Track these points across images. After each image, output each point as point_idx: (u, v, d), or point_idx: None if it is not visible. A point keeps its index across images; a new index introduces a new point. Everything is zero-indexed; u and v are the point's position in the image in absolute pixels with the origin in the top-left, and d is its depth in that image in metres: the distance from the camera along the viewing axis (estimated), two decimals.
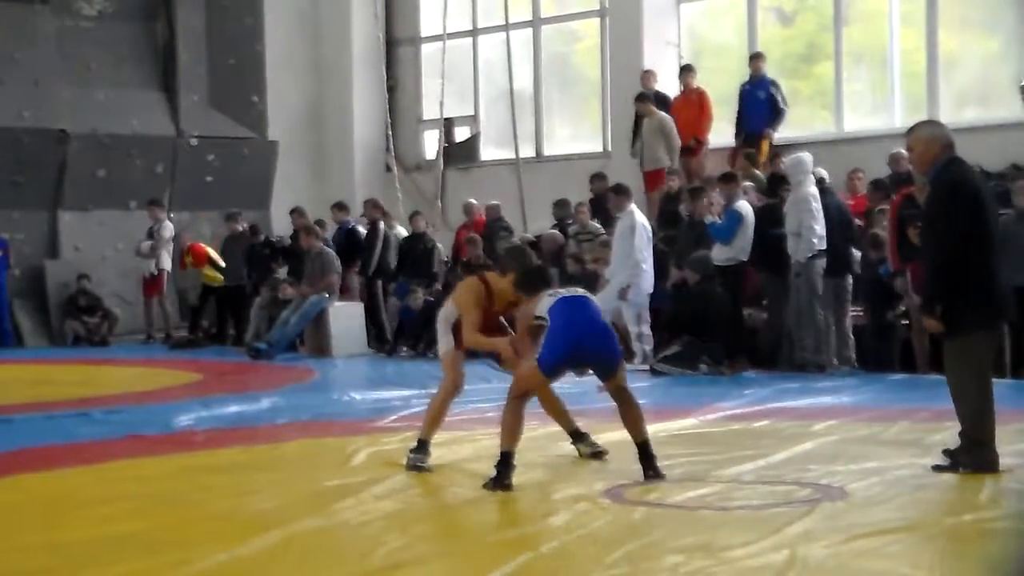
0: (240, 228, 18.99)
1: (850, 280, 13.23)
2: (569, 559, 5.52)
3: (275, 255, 18.44)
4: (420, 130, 22.32)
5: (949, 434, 7.60)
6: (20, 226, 19.70)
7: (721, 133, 17.46)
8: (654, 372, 12.98)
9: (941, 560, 5.29)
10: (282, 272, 17.99)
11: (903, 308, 12.73)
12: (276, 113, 21.46)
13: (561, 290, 7.41)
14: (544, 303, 7.21)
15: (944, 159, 7.29)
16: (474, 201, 18.27)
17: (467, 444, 8.45)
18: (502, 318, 7.71)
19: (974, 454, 7.14)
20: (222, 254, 19.04)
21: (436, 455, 7.76)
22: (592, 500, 6.62)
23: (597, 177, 17.08)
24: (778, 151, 16.18)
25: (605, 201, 15.65)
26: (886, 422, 9.20)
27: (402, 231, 18.23)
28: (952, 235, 7.11)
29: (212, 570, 5.38)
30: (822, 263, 12.90)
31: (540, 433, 8.47)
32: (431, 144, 21.89)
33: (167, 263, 19.46)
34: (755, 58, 16.90)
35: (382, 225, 17.76)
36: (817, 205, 12.90)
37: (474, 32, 21.46)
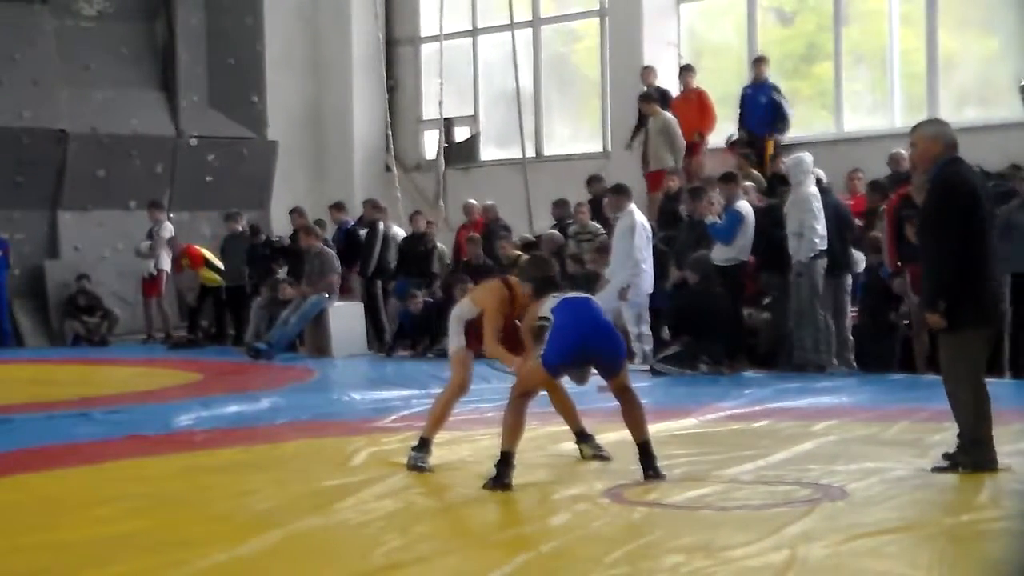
0: (240, 228, 18.98)
1: (849, 280, 13.23)
2: (569, 559, 5.52)
3: (275, 255, 18.43)
4: (420, 130, 22.32)
5: (949, 434, 7.59)
6: (20, 226, 19.69)
7: (721, 133, 17.45)
8: (654, 372, 12.98)
9: (940, 560, 5.29)
10: (282, 272, 17.99)
11: (904, 308, 12.74)
12: (276, 113, 21.45)
13: (564, 292, 7.41)
14: (547, 304, 7.22)
15: (945, 158, 7.31)
16: (474, 201, 18.27)
17: (467, 444, 8.45)
18: (517, 321, 7.68)
19: (972, 453, 7.15)
20: (222, 254, 19.05)
21: (436, 455, 7.76)
22: (592, 500, 6.63)
23: (594, 179, 17.07)
24: (778, 151, 16.20)
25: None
26: (886, 422, 9.20)
27: (399, 232, 18.16)
28: (949, 234, 7.14)
29: (212, 570, 5.38)
30: (823, 263, 12.90)
31: (540, 433, 8.47)
32: (431, 144, 21.89)
33: (166, 263, 19.46)
34: (758, 62, 16.89)
35: (381, 225, 17.76)
36: (818, 205, 12.89)
37: (474, 32, 21.45)
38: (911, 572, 5.14)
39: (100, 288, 19.71)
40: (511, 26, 19.91)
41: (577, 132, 20.83)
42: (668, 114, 16.86)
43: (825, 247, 12.83)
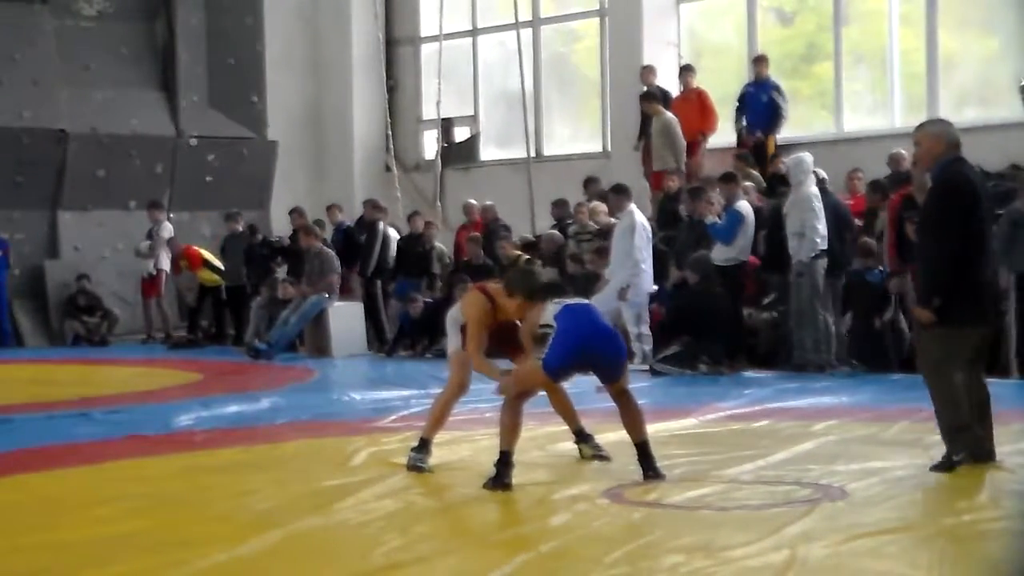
0: (240, 228, 18.99)
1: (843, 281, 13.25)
2: (569, 559, 5.52)
3: (274, 255, 18.44)
4: (420, 130, 22.32)
5: None
6: (20, 226, 19.69)
7: (721, 134, 17.44)
8: (654, 372, 12.98)
9: (940, 560, 5.29)
10: (281, 272, 18.00)
11: (888, 315, 12.73)
12: (276, 113, 21.45)
13: (566, 299, 7.42)
14: (550, 310, 7.22)
15: (948, 158, 7.34)
16: (474, 201, 18.27)
17: (467, 444, 8.45)
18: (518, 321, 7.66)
19: (958, 441, 7.20)
20: (222, 254, 19.05)
21: (436, 455, 7.76)
22: (592, 500, 6.63)
23: (591, 181, 17.04)
24: (778, 151, 16.19)
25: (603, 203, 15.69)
26: (886, 422, 9.20)
27: (393, 232, 18.12)
28: (948, 232, 7.18)
29: (212, 570, 5.38)
30: (824, 263, 12.90)
31: (540, 433, 8.47)
32: (431, 144, 21.88)
33: (166, 263, 19.47)
34: (758, 61, 16.88)
35: (381, 225, 17.77)
36: (819, 205, 12.90)
37: (473, 32, 21.45)
38: (911, 572, 5.14)
39: (100, 288, 19.71)
40: (513, 25, 19.88)
41: (577, 132, 20.83)
42: (669, 114, 16.86)
43: (826, 247, 12.84)
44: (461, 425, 8.79)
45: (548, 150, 20.60)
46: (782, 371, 12.94)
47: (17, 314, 19.49)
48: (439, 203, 20.70)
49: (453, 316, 7.78)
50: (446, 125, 21.30)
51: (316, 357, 16.45)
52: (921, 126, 7.64)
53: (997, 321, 7.47)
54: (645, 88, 17.43)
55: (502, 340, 7.58)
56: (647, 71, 17.71)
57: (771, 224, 13.55)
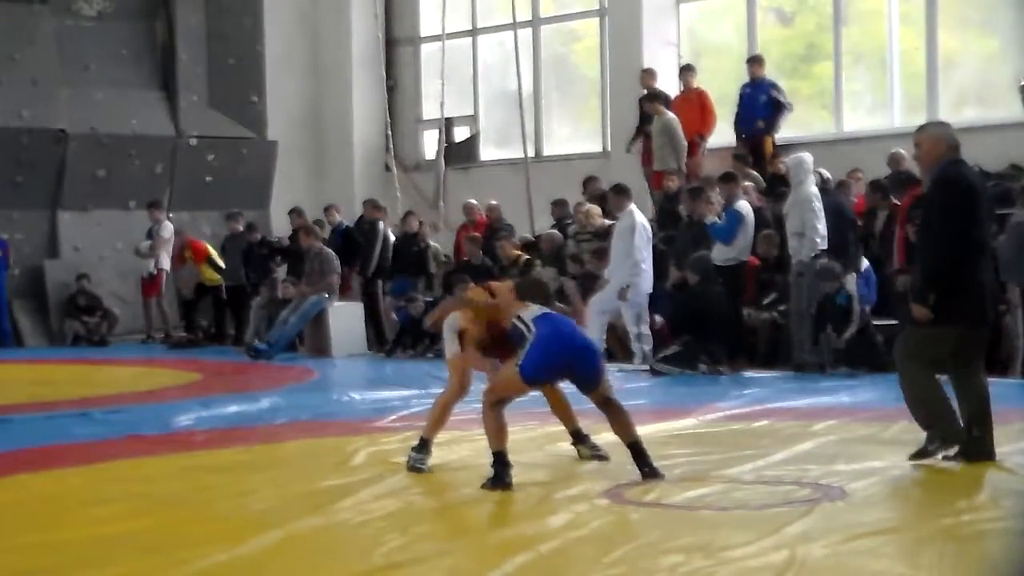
0: (240, 228, 19.00)
1: (854, 279, 13.23)
2: (569, 559, 5.52)
3: (273, 255, 18.44)
4: (419, 130, 22.32)
5: None
6: (20, 226, 19.70)
7: (721, 133, 17.45)
8: (654, 372, 12.98)
9: (940, 560, 5.29)
10: (280, 272, 17.99)
11: (851, 331, 12.73)
12: (275, 113, 21.46)
13: (548, 308, 7.43)
14: (531, 311, 7.22)
15: (948, 159, 7.40)
16: (474, 201, 18.27)
17: (467, 444, 8.44)
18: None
19: (936, 428, 7.29)
20: (222, 253, 19.06)
21: (436, 455, 7.76)
22: (591, 500, 6.62)
23: (591, 180, 17.05)
24: (778, 151, 16.19)
25: (602, 203, 15.67)
26: (886, 422, 9.20)
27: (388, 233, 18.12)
28: (945, 231, 7.23)
29: (212, 570, 5.38)
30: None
31: (540, 433, 8.47)
32: (431, 144, 21.88)
33: (166, 263, 19.47)
34: (752, 62, 16.87)
35: (382, 225, 17.76)
36: (819, 204, 12.91)
37: (473, 32, 21.45)
38: (911, 572, 5.14)
39: (100, 288, 19.71)
40: (514, 24, 19.87)
41: (577, 132, 20.83)
42: (671, 114, 16.86)
43: (826, 247, 12.84)
44: (461, 425, 8.78)
45: (548, 150, 20.60)
46: (782, 371, 12.94)
47: (17, 314, 19.49)
48: (442, 203, 20.69)
49: (449, 322, 7.80)
50: (446, 125, 21.29)
51: (316, 357, 16.44)
52: (921, 128, 7.73)
53: (982, 324, 7.46)
54: (645, 91, 17.43)
55: (494, 342, 7.59)
56: (647, 74, 17.70)
57: (780, 225, 13.54)
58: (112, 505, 6.80)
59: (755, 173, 15.67)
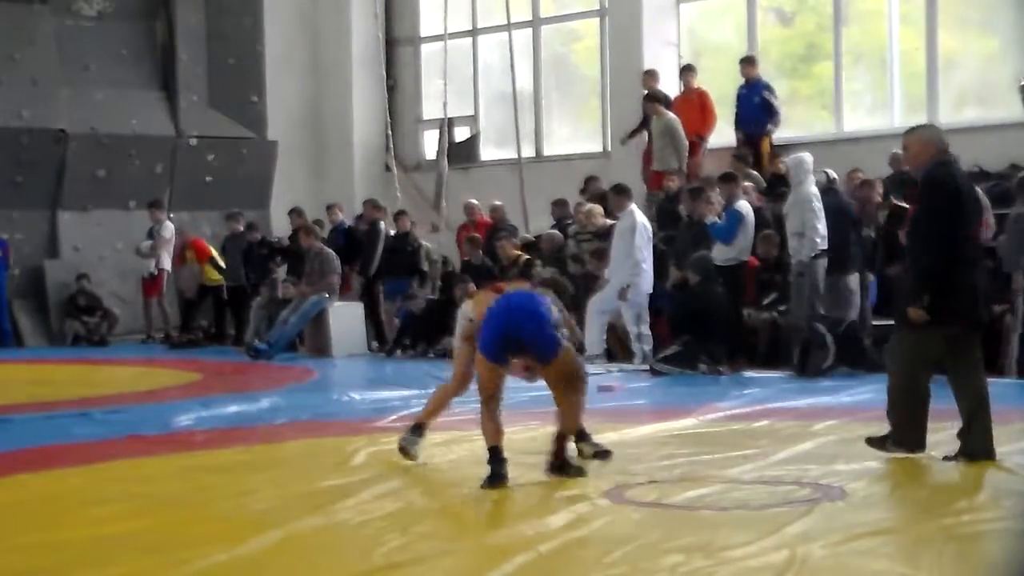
0: (240, 228, 19.00)
1: (855, 279, 13.24)
2: (569, 559, 5.52)
3: (273, 255, 18.44)
4: (420, 130, 22.32)
5: (948, 433, 7.61)
6: (20, 226, 19.70)
7: (720, 134, 17.45)
8: (654, 372, 12.98)
9: (940, 560, 5.29)
10: (280, 272, 17.99)
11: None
12: (275, 113, 21.46)
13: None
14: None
15: (935, 160, 7.44)
16: (475, 201, 18.26)
17: (466, 444, 8.44)
18: None
19: (896, 431, 7.44)
20: (223, 253, 19.06)
21: (436, 455, 7.76)
22: (592, 500, 6.62)
23: (591, 180, 17.03)
24: (778, 152, 16.19)
25: (602, 202, 15.67)
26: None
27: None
28: (933, 231, 7.29)
29: (212, 570, 5.38)
30: (824, 263, 12.90)
31: (540, 433, 8.47)
32: (431, 144, 21.88)
33: (167, 263, 19.47)
34: (745, 62, 16.85)
35: (382, 225, 17.76)
36: (819, 204, 12.91)
37: (474, 32, 21.45)
38: (910, 572, 5.14)
39: (100, 288, 19.72)
40: (508, 26, 19.87)
41: (576, 132, 20.83)
42: (671, 115, 16.85)
43: (826, 247, 12.84)
44: (461, 425, 8.79)
45: (548, 150, 20.60)
46: (782, 371, 12.94)
47: (17, 314, 19.49)
48: (444, 203, 20.68)
49: (459, 332, 7.84)
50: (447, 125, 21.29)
51: (316, 357, 16.45)
52: (910, 131, 7.77)
53: (973, 324, 7.48)
54: (646, 92, 17.42)
55: None
56: (649, 76, 17.68)
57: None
58: (112, 505, 6.80)
59: (755, 173, 15.67)
